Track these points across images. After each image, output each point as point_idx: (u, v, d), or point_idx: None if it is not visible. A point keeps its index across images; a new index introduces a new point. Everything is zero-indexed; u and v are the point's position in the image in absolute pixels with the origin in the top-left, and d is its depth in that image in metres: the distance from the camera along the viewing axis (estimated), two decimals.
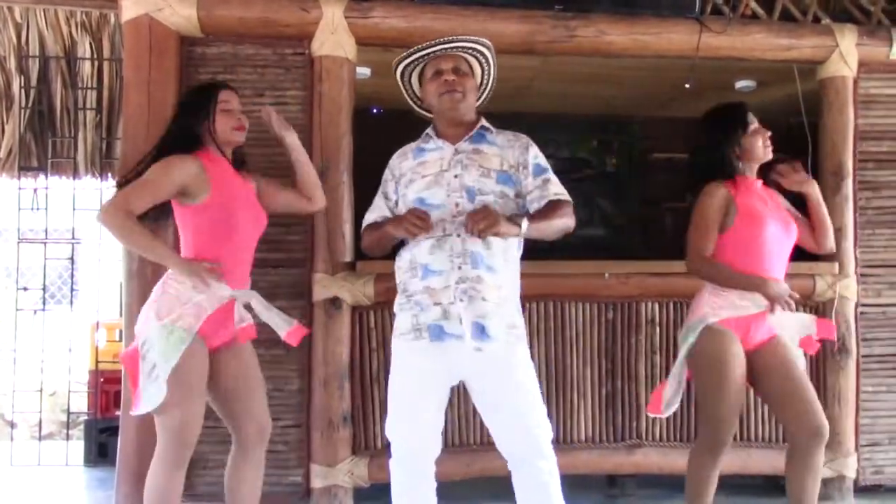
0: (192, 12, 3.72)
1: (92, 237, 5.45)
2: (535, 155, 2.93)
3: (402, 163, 2.97)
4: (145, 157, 2.98)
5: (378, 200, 3.00)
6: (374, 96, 5.57)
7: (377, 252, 3.01)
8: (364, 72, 4.75)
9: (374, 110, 6.13)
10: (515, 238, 2.83)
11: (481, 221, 2.62)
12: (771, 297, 3.03)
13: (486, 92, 3.08)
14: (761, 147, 3.17)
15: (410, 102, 3.11)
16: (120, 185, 2.98)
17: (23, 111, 5.15)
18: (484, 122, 2.95)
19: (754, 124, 3.18)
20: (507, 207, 2.81)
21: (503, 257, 2.79)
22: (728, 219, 3.07)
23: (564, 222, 2.85)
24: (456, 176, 2.82)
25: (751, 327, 3.08)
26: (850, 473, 4.10)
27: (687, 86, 4.25)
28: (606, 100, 5.79)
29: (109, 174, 5.26)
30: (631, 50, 4.10)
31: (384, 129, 6.07)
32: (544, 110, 5.94)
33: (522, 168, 2.89)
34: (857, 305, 4.15)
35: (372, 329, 3.89)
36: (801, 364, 3.18)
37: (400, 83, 3.05)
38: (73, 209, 5.27)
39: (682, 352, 3.11)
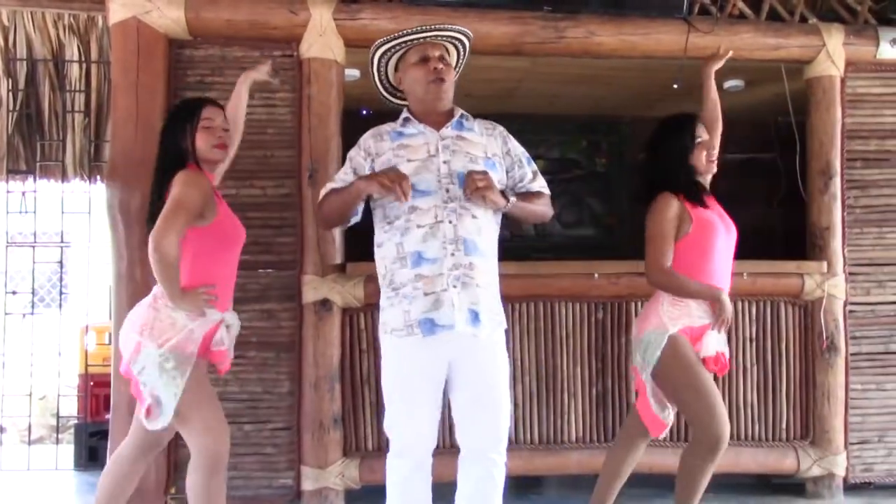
0: (179, 14, 3.71)
1: (81, 240, 5.43)
2: (516, 145, 3.02)
3: (378, 143, 2.93)
4: (156, 177, 2.93)
5: (343, 175, 2.94)
6: (363, 98, 5.54)
7: (334, 220, 3.00)
8: (353, 73, 4.74)
9: (364, 112, 6.12)
10: (497, 223, 2.91)
11: (481, 181, 2.69)
12: (722, 311, 3.11)
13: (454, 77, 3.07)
14: (704, 161, 3.25)
15: (379, 87, 3.11)
16: (153, 210, 2.86)
17: (10, 114, 5.12)
18: (460, 110, 2.97)
19: (701, 138, 3.25)
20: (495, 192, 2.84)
21: (492, 244, 2.85)
22: (683, 227, 3.14)
23: (544, 211, 3.02)
24: (445, 162, 2.83)
25: (701, 338, 3.14)
26: (840, 471, 4.11)
27: (675, 86, 4.25)
28: (595, 100, 5.79)
29: (98, 177, 5.24)
30: (619, 51, 4.11)
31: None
32: (534, 111, 5.94)
33: (506, 156, 2.97)
34: (845, 304, 4.16)
35: (362, 331, 3.88)
36: None
37: (374, 66, 3.03)
38: (62, 212, 5.25)
39: (649, 367, 3.12)
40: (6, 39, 5.00)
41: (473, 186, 2.69)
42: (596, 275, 3.97)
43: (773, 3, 4.22)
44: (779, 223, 5.70)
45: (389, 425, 2.86)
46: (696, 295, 3.12)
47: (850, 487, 4.18)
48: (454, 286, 2.73)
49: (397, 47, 2.94)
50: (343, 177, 2.93)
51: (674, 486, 3.25)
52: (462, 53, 3.05)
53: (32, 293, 5.57)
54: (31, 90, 5.13)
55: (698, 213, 3.15)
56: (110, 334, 3.82)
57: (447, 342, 2.75)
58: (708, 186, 3.33)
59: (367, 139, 2.97)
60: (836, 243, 4.15)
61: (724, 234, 3.20)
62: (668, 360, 3.09)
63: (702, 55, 4.10)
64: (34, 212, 5.27)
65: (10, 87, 5.10)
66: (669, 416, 3.21)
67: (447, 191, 2.79)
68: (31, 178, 5.28)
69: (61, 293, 5.61)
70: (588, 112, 6.11)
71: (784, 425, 4.11)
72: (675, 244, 3.14)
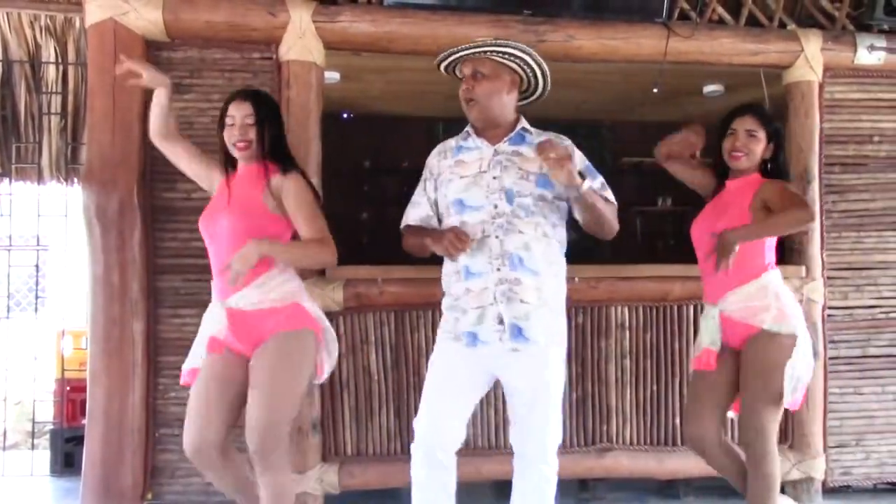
0: (157, 16, 3.68)
1: (57, 243, 5.38)
2: (582, 158, 2.97)
3: (440, 161, 2.99)
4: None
5: (417, 197, 3.04)
6: (344, 101, 5.56)
7: (416, 254, 3.04)
8: (333, 76, 4.73)
9: (344, 115, 6.12)
10: (557, 241, 2.91)
11: (554, 150, 2.65)
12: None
13: (539, 92, 3.08)
14: (727, 151, 3.26)
15: None
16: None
17: None
18: (524, 122, 2.98)
19: (733, 130, 3.26)
20: (547, 209, 2.87)
21: (544, 259, 2.83)
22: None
23: (612, 219, 2.96)
24: (495, 177, 2.85)
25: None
26: (819, 475, 4.13)
27: (655, 90, 4.26)
28: (576, 104, 5.81)
29: (75, 179, 5.19)
30: (600, 55, 4.12)
31: (353, 133, 6.08)
32: None
33: None
34: (823, 308, 4.18)
35: (341, 335, 3.85)
36: None
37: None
38: (38, 215, 5.20)
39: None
40: None
41: (547, 156, 2.65)
42: (576, 279, 3.95)
43: (753, 8, 4.24)
44: None
45: (419, 417, 2.92)
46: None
47: (829, 491, 4.21)
48: (500, 301, 2.78)
49: (454, 62, 2.98)
50: (417, 199, 3.04)
51: (653, 489, 3.26)
52: (522, 63, 2.93)
53: (8, 297, 5.50)
54: (7, 92, 5.08)
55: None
56: (87, 338, 3.78)
57: (489, 354, 2.83)
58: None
59: (431, 158, 3.05)
60: (815, 248, 4.17)
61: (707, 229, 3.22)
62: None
63: (682, 59, 4.13)
64: (10, 215, 5.22)
65: None
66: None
67: (495, 206, 2.82)
68: (6, 181, 5.23)
69: (37, 297, 5.55)
70: (569, 116, 6.11)
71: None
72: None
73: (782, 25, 4.28)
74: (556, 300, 2.90)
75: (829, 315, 4.21)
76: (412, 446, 2.92)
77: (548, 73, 2.99)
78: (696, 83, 5.22)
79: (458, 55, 2.93)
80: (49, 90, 5.11)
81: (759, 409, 3.07)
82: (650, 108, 5.86)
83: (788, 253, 4.19)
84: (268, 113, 2.98)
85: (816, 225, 4.16)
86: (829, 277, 4.21)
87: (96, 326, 3.62)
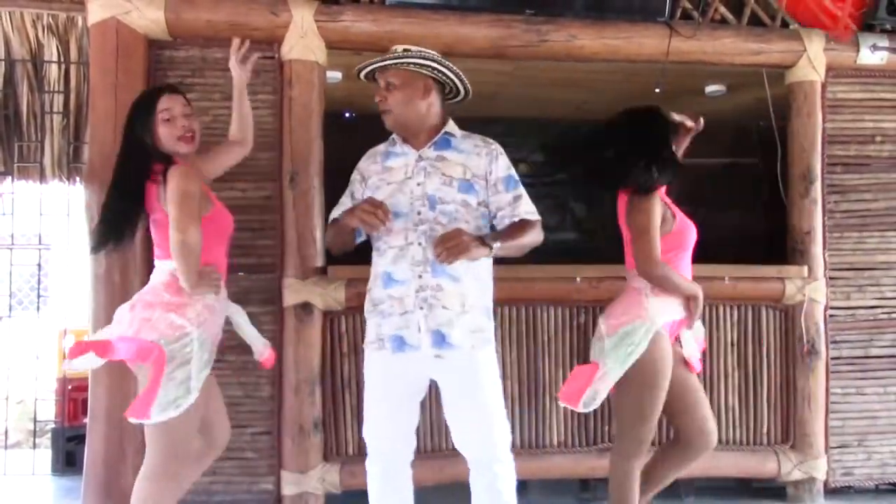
0: (159, 15, 3.68)
1: (59, 242, 5.38)
2: (507, 166, 2.93)
3: (370, 165, 2.99)
4: (119, 177, 2.84)
5: (344, 199, 3.02)
6: (346, 100, 5.55)
7: (338, 247, 3.02)
8: (335, 76, 4.72)
9: (346, 114, 6.11)
10: None
11: (449, 247, 2.59)
12: (698, 308, 3.10)
13: (461, 94, 3.02)
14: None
15: None
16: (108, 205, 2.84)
17: None
18: (450, 126, 2.94)
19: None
20: (470, 216, 2.85)
21: (465, 265, 2.76)
22: (666, 225, 3.09)
23: (533, 240, 2.88)
24: (419, 184, 2.85)
25: (678, 332, 3.15)
26: (820, 475, 4.13)
27: (657, 90, 4.26)
28: (577, 104, 5.80)
29: (76, 179, 5.19)
30: (601, 54, 4.11)
31: (355, 133, 6.06)
32: (516, 115, 5.94)
33: (490, 177, 2.90)
34: (826, 308, 4.18)
35: (343, 334, 3.86)
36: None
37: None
38: (40, 214, 5.20)
39: (622, 366, 3.00)
40: None
41: (444, 255, 2.59)
42: (578, 279, 3.97)
43: (755, 8, 4.24)
44: (760, 227, 5.73)
45: (366, 432, 2.96)
46: (684, 290, 3.07)
47: (831, 491, 4.20)
48: (420, 308, 2.77)
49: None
50: (344, 200, 3.02)
51: (662, 492, 3.26)
52: (439, 73, 2.89)
53: (10, 296, 5.50)
54: (10, 91, 5.08)
55: (676, 210, 3.16)
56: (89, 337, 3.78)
57: (416, 360, 2.81)
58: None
59: (363, 161, 3.04)
60: (817, 248, 4.17)
61: (694, 233, 3.20)
62: (647, 358, 2.99)
63: (684, 59, 4.12)
64: (12, 214, 5.21)
65: None
66: (592, 407, 3.05)
67: (418, 213, 2.82)
68: (8, 180, 5.22)
69: (39, 296, 5.55)
70: (570, 116, 6.11)
71: (765, 429, 4.12)
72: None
73: (785, 25, 4.27)
74: (480, 303, 2.86)
75: (831, 315, 4.20)
76: (368, 461, 2.95)
77: (461, 74, 2.94)
78: (698, 83, 5.21)
79: (366, 69, 2.93)
80: (51, 89, 5.11)
81: None
82: None
83: (791, 253, 4.19)
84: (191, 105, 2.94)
85: (819, 225, 4.16)
86: (831, 278, 4.20)
87: (98, 325, 3.61)
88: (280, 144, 3.78)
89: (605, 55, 4.12)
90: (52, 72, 5.08)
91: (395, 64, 2.87)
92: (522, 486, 4.25)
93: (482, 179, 2.89)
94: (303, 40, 3.80)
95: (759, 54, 4.19)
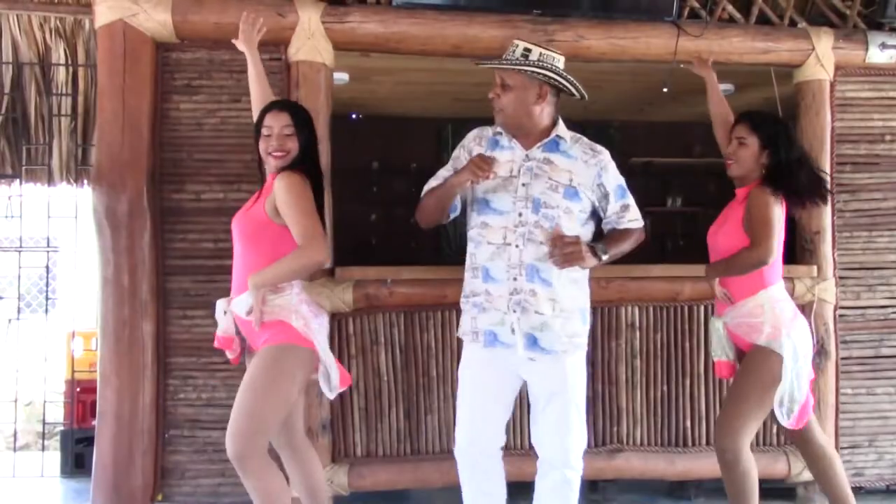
0: (166, 17, 3.68)
1: (68, 245, 5.39)
2: (616, 175, 2.97)
3: (476, 145, 2.98)
4: None
5: (444, 171, 3.01)
6: (352, 102, 5.56)
7: (430, 217, 3.01)
8: (342, 77, 4.72)
9: (353, 116, 6.11)
10: None
11: (566, 252, 2.71)
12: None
13: (575, 95, 3.02)
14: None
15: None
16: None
17: None
18: (560, 129, 2.95)
19: (729, 139, 3.32)
20: (571, 223, 2.86)
21: (560, 271, 2.81)
22: None
23: (633, 245, 3.00)
24: (524, 184, 2.85)
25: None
26: None
27: (665, 90, 4.25)
28: (585, 104, 5.74)
29: (85, 181, 5.20)
30: (609, 54, 4.10)
31: (362, 134, 6.07)
32: None
33: (599, 188, 2.92)
34: (835, 308, 4.16)
35: (351, 336, 3.86)
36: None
37: None
38: (48, 217, 5.21)
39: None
40: None
41: (560, 260, 2.72)
42: None
43: (763, 7, 4.22)
44: None
45: (458, 425, 2.97)
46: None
47: None
48: (514, 311, 2.80)
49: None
50: (444, 173, 3.01)
51: (664, 490, 3.26)
52: (550, 79, 2.91)
53: (19, 298, 5.52)
54: (18, 94, 5.08)
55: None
56: (97, 340, 3.79)
57: (509, 358, 2.85)
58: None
59: (469, 138, 3.04)
60: (826, 247, 4.15)
61: (710, 239, 3.32)
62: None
63: (691, 59, 4.10)
64: (20, 216, 5.23)
65: None
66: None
67: (520, 214, 2.82)
68: (17, 182, 5.23)
69: (48, 298, 5.57)
70: (577, 116, 6.08)
71: (775, 430, 4.10)
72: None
73: (793, 24, 4.26)
74: (574, 306, 2.89)
75: (841, 315, 4.18)
76: (455, 450, 2.97)
77: (575, 81, 2.97)
78: (705, 82, 5.19)
79: (488, 66, 2.94)
80: (59, 92, 5.11)
81: (742, 414, 3.14)
82: (659, 107, 5.84)
83: (800, 253, 4.17)
84: (304, 123, 2.98)
85: (828, 224, 4.15)
86: (841, 277, 4.18)
87: (106, 328, 3.63)
88: None
89: (613, 55, 4.11)
90: (60, 74, 5.08)
91: (512, 69, 2.88)
92: (529, 488, 4.26)
93: (588, 189, 2.90)
94: (310, 42, 3.79)
95: (767, 53, 4.17)
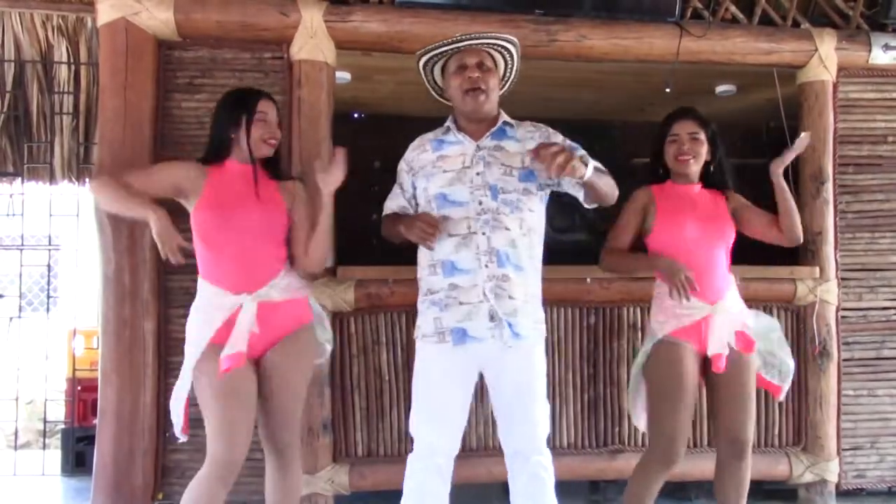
0: (169, 16, 3.68)
1: (69, 243, 5.39)
2: (564, 139, 2.96)
3: (419, 155, 2.98)
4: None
5: (396, 190, 3.04)
6: (354, 101, 5.55)
7: (396, 239, 3.00)
8: (344, 76, 4.72)
9: (355, 115, 6.11)
10: (538, 234, 2.92)
11: (560, 161, 2.60)
12: (665, 276, 3.06)
13: (508, 85, 3.09)
14: (672, 157, 3.23)
15: (432, 92, 3.13)
16: None
17: None
18: (505, 116, 2.97)
19: (675, 135, 3.23)
20: (532, 203, 2.88)
21: (527, 255, 2.85)
22: (648, 221, 3.20)
23: (613, 185, 2.94)
24: (479, 173, 2.85)
25: (701, 332, 3.11)
26: (832, 477, 4.10)
27: (667, 90, 4.24)
28: (587, 104, 5.79)
29: (86, 179, 5.20)
30: (611, 54, 4.10)
31: (363, 133, 6.06)
32: (525, 115, 5.87)
33: None
34: (837, 309, 4.15)
35: (352, 335, 3.85)
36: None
37: (421, 73, 3.06)
38: (50, 215, 5.21)
39: (635, 368, 3.23)
40: None
41: (553, 165, 2.60)
42: (588, 280, 3.95)
43: (766, 7, 4.22)
44: None
45: (414, 427, 2.90)
46: (640, 267, 3.18)
47: (843, 493, 4.18)
48: (490, 298, 2.77)
49: (439, 56, 2.96)
50: (395, 191, 3.04)
51: (665, 490, 3.24)
52: (509, 57, 3.00)
53: (20, 296, 5.51)
54: (19, 92, 5.09)
55: (666, 208, 3.19)
56: (98, 338, 3.78)
57: (477, 352, 2.81)
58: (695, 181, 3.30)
59: (409, 152, 3.03)
60: (829, 248, 4.14)
61: (697, 231, 3.16)
62: (652, 368, 3.14)
63: (694, 59, 4.11)
64: (22, 214, 5.23)
65: None
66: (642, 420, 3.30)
67: (480, 203, 2.82)
68: (18, 181, 5.24)
69: (49, 297, 5.56)
70: (580, 116, 6.09)
71: (776, 431, 4.10)
72: (646, 239, 3.23)
73: (796, 24, 4.25)
74: (537, 293, 2.92)
75: (842, 316, 4.18)
76: (411, 457, 2.89)
77: (517, 72, 3.06)
78: (708, 83, 5.18)
79: (468, 42, 2.89)
80: (61, 90, 5.12)
81: (752, 417, 3.24)
82: (662, 108, 5.80)
83: (803, 254, 4.16)
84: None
85: (830, 225, 4.14)
86: (843, 278, 4.18)
87: (107, 326, 3.62)
88: (289, 145, 3.76)
89: (615, 55, 4.10)
90: (62, 73, 5.09)
91: (497, 45, 2.93)
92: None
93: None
94: (312, 40, 3.79)
95: (769, 54, 4.16)
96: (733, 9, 4.19)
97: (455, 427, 2.88)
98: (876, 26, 4.29)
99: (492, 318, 2.78)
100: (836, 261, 4.16)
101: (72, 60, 5.03)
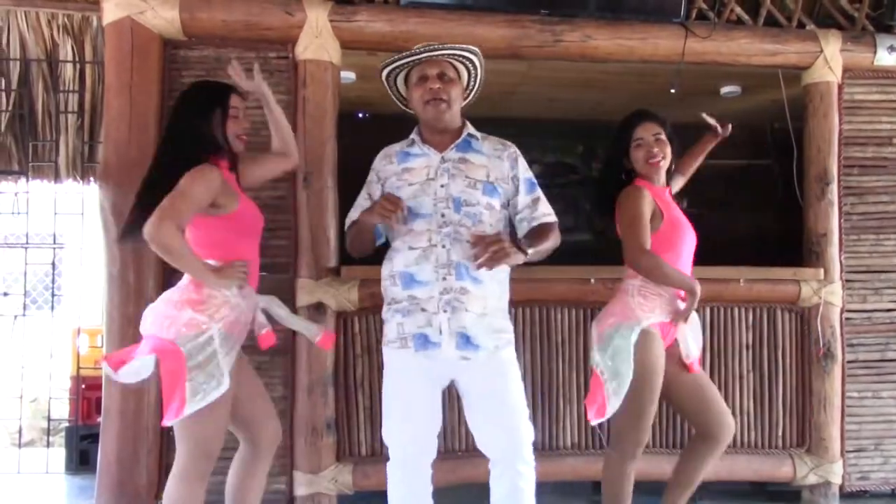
0: (174, 15, 3.68)
1: (74, 242, 5.39)
2: (525, 169, 2.96)
3: (386, 166, 2.97)
4: (156, 160, 2.86)
5: (361, 200, 3.01)
6: (359, 100, 5.55)
7: (358, 249, 2.99)
8: (349, 76, 4.72)
9: (360, 115, 6.10)
10: None
11: (494, 252, 2.62)
12: (694, 304, 3.07)
13: (472, 95, 3.08)
14: (642, 161, 3.17)
15: (398, 104, 3.11)
16: (142, 195, 2.78)
17: (3, 114, 5.09)
18: (470, 128, 2.95)
19: (640, 139, 3.19)
20: (493, 218, 2.86)
21: (487, 269, 2.77)
22: (654, 222, 3.11)
23: (555, 243, 2.92)
24: (442, 185, 2.83)
25: (667, 333, 3.11)
26: (836, 479, 4.09)
27: (672, 91, 4.24)
28: (592, 105, 5.78)
29: (91, 178, 5.21)
30: (616, 55, 4.10)
31: (369, 133, 6.06)
32: (530, 115, 5.92)
33: (513, 180, 2.92)
34: (842, 311, 4.15)
35: (356, 335, 3.86)
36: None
37: (385, 85, 3.05)
38: (55, 213, 5.22)
39: (619, 357, 3.00)
40: None
41: (486, 261, 2.63)
42: (592, 280, 3.95)
43: (771, 8, 4.21)
44: (775, 229, 5.69)
45: (387, 435, 2.89)
46: (678, 283, 3.06)
47: (846, 495, 4.17)
48: (444, 311, 2.76)
49: (400, 67, 2.95)
50: (360, 201, 3.01)
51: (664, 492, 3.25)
52: (472, 67, 2.99)
53: (24, 295, 5.52)
54: (25, 90, 5.10)
55: (669, 210, 3.14)
56: (102, 337, 3.79)
57: (440, 359, 2.78)
58: (669, 186, 3.31)
59: (378, 161, 3.02)
60: (833, 250, 4.14)
61: (691, 236, 3.19)
62: (637, 359, 3.00)
63: (699, 60, 4.10)
64: (27, 213, 5.23)
65: (3, 87, 5.07)
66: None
67: (442, 215, 2.81)
68: (23, 179, 5.24)
69: (53, 295, 5.56)
70: (584, 116, 6.09)
71: (780, 433, 4.10)
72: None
73: (801, 26, 4.25)
74: (500, 304, 2.88)
75: (847, 318, 4.17)
76: (390, 464, 2.88)
77: (481, 82, 3.05)
78: (713, 84, 5.18)
79: (427, 55, 2.87)
80: (66, 89, 5.12)
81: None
82: (666, 109, 5.80)
83: (807, 255, 4.16)
84: None
85: (835, 227, 4.14)
86: (847, 280, 4.17)
87: (112, 325, 3.63)
88: None
89: (620, 56, 4.10)
90: (67, 71, 5.09)
91: (458, 56, 2.92)
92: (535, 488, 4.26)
93: (505, 182, 2.90)
94: (317, 40, 3.79)
95: (775, 55, 4.16)
96: (738, 10, 4.19)
97: (427, 430, 2.85)
98: (881, 28, 4.29)
99: (441, 331, 2.76)
100: (840, 262, 4.15)
101: (77, 59, 5.03)
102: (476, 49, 2.94)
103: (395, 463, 2.87)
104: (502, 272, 2.86)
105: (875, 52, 4.21)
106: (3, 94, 5.07)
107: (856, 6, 4.30)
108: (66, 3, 4.43)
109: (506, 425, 2.81)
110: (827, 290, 4.09)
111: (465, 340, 2.76)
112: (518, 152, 2.96)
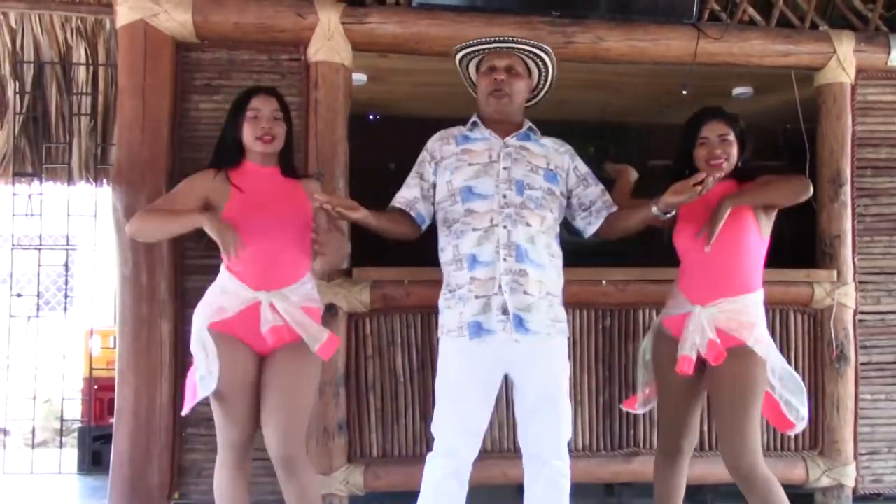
0: (187, 18, 3.70)
1: (86, 243, 5.41)
2: (584, 164, 3.08)
3: (443, 146, 3.01)
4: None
5: (410, 181, 3.05)
6: (371, 102, 5.56)
7: (398, 236, 3.04)
8: (360, 78, 4.73)
9: (371, 116, 6.12)
10: (556, 234, 2.96)
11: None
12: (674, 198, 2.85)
13: (542, 95, 3.16)
14: (703, 161, 3.07)
15: (469, 88, 3.20)
16: None
17: (17, 117, 5.11)
18: (530, 124, 3.02)
19: (705, 138, 3.08)
20: (553, 204, 2.92)
21: (546, 252, 2.86)
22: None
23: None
24: (505, 168, 2.88)
25: (682, 326, 3.03)
26: (849, 482, 4.07)
27: (684, 92, 4.23)
28: (604, 106, 5.78)
29: (104, 180, 5.22)
30: (628, 56, 4.09)
31: (380, 135, 6.07)
32: (541, 117, 5.88)
33: (574, 172, 3.02)
34: (855, 313, 4.13)
35: (368, 336, 3.86)
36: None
37: (458, 68, 3.13)
38: (68, 215, 5.24)
39: (641, 353, 3.31)
40: (13, 42, 4.98)
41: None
42: (603, 282, 3.94)
43: (784, 9, 4.20)
44: (788, 231, 5.67)
45: (436, 426, 2.90)
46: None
47: (860, 498, 4.15)
48: (505, 291, 2.78)
49: (473, 54, 3.03)
50: (410, 182, 3.05)
51: (691, 497, 3.26)
52: (542, 66, 3.04)
53: (38, 296, 5.55)
54: (38, 93, 5.12)
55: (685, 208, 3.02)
56: (115, 338, 3.81)
57: (495, 347, 2.80)
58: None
59: (433, 142, 3.06)
60: (847, 252, 4.12)
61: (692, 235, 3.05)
62: (652, 356, 3.23)
63: (711, 61, 4.09)
64: (40, 214, 5.26)
65: (17, 90, 5.09)
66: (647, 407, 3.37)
67: (504, 196, 2.85)
68: (37, 181, 5.26)
69: (66, 296, 5.58)
70: (596, 118, 6.09)
71: (793, 435, 4.07)
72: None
73: (814, 26, 4.23)
74: (556, 291, 2.93)
75: (860, 320, 4.15)
76: (431, 455, 2.88)
77: (553, 83, 3.13)
78: (725, 85, 5.17)
79: (499, 45, 2.97)
80: (79, 91, 5.14)
81: (749, 429, 2.95)
82: (678, 110, 5.79)
83: (820, 257, 4.14)
84: (287, 111, 3.04)
85: (848, 228, 4.12)
86: (860, 282, 4.15)
87: (124, 326, 3.65)
88: (305, 146, 3.78)
89: (632, 57, 4.10)
90: (81, 74, 5.11)
91: (529, 52, 2.99)
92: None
93: (563, 172, 2.99)
94: (329, 42, 3.80)
95: (787, 56, 4.15)
96: (751, 10, 4.18)
97: (477, 430, 2.88)
98: (895, 28, 4.26)
99: (504, 311, 2.79)
100: (853, 264, 4.13)
101: (90, 62, 5.05)
102: (548, 48, 3.01)
103: (437, 453, 2.87)
104: (559, 260, 2.94)
105: (889, 53, 4.18)
106: (18, 97, 5.09)
107: (869, 6, 4.28)
108: (79, 6, 4.47)
109: (550, 420, 2.84)
110: (840, 292, 4.07)
111: (519, 322, 2.79)
112: (573, 150, 3.09)
